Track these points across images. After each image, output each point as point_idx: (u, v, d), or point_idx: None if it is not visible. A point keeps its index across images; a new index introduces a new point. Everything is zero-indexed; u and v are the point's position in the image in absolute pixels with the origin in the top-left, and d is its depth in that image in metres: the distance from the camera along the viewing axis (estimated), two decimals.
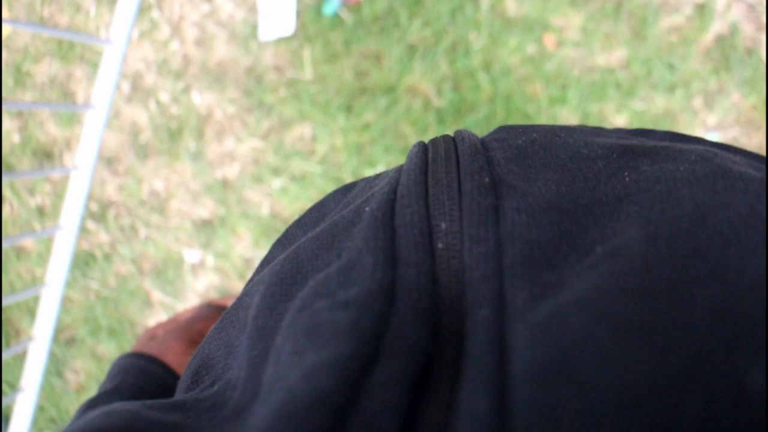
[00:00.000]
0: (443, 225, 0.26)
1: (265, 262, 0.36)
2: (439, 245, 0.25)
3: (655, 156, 0.27)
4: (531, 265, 0.23)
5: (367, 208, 0.28)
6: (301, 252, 0.29)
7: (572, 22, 1.37)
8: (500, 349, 0.20)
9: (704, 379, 0.17)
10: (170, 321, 0.58)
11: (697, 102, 1.37)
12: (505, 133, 0.33)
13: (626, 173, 0.26)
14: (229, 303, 0.59)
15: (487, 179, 0.27)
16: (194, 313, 0.56)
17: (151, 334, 0.56)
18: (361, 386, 0.20)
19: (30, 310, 1.72)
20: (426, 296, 0.23)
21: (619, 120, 1.38)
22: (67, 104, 1.18)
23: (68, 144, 1.65)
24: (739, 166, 0.25)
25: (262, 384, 0.24)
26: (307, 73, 1.46)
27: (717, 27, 1.34)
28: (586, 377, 0.17)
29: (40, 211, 1.70)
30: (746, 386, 0.16)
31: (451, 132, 1.40)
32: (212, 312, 0.56)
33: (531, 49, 1.38)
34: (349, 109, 1.45)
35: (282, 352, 0.24)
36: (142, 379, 0.46)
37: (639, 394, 0.17)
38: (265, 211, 1.54)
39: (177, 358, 0.50)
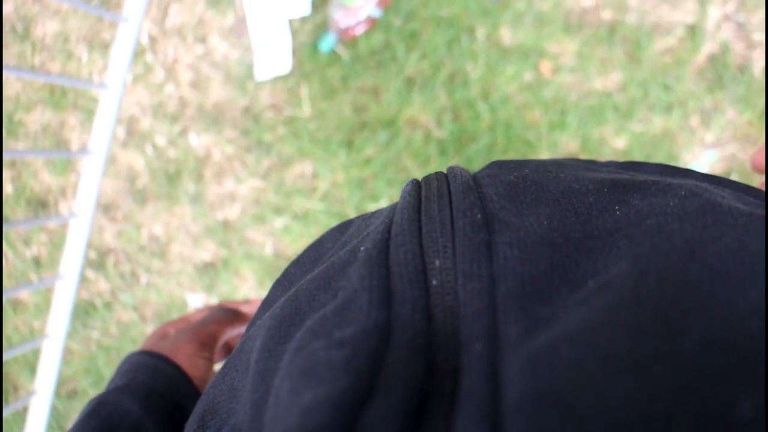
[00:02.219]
0: (437, 262, 0.26)
1: (266, 302, 0.36)
2: (434, 282, 0.26)
3: (646, 190, 0.28)
4: (523, 299, 0.23)
5: (362, 248, 0.29)
6: (300, 294, 0.29)
7: (567, 48, 1.38)
8: (494, 381, 0.21)
9: (694, 409, 0.17)
10: (181, 320, 0.58)
11: (694, 121, 1.38)
12: (497, 169, 0.33)
13: (617, 207, 0.27)
14: (242, 307, 0.60)
15: (479, 215, 0.28)
16: (206, 315, 0.56)
17: (162, 333, 0.55)
18: (356, 422, 0.21)
19: (29, 364, 1.68)
20: (421, 333, 0.24)
21: (619, 142, 1.40)
22: (64, 151, 1.16)
23: (63, 192, 1.63)
24: (728, 201, 0.26)
25: (264, 426, 0.24)
26: (306, 111, 1.46)
27: (708, 47, 1.37)
28: (577, 409, 0.18)
29: (37, 262, 1.66)
30: (735, 416, 0.16)
31: (453, 163, 1.41)
32: (225, 315, 0.56)
33: (528, 76, 1.39)
34: (349, 144, 1.45)
35: (281, 393, 0.24)
36: (152, 377, 0.46)
37: (629, 425, 0.17)
38: (268, 251, 1.52)
39: (188, 359, 0.50)
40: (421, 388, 0.22)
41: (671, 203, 0.26)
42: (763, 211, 0.25)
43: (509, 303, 0.24)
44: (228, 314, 0.56)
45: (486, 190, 0.30)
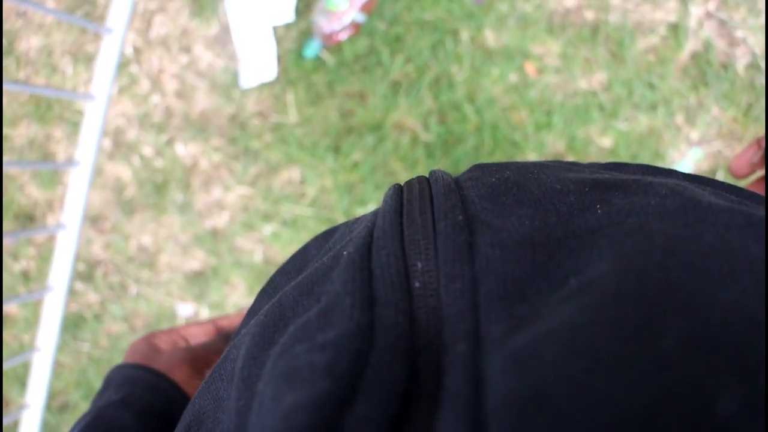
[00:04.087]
0: (419, 264, 0.26)
1: (251, 312, 0.36)
2: (416, 284, 0.26)
3: (627, 189, 0.28)
4: (506, 299, 0.23)
5: (344, 252, 0.29)
6: (284, 300, 0.29)
7: (551, 49, 1.39)
8: (476, 381, 0.21)
9: (675, 406, 0.17)
10: (172, 332, 0.56)
11: (679, 118, 1.39)
12: (479, 171, 0.33)
13: (598, 206, 0.27)
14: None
15: (460, 217, 0.28)
16: (209, 343, 0.55)
17: (152, 345, 0.53)
18: (339, 425, 0.21)
19: (19, 378, 1.66)
20: (404, 335, 0.24)
21: (605, 141, 1.40)
22: (51, 163, 1.16)
23: (50, 206, 1.62)
24: (708, 198, 0.26)
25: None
26: (292, 117, 1.46)
27: (691, 45, 1.37)
28: (559, 407, 0.18)
29: (25, 276, 1.65)
30: (717, 412, 0.17)
31: (440, 165, 1.41)
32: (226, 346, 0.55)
33: (513, 77, 1.40)
34: (336, 149, 1.45)
35: (264, 398, 0.24)
36: (149, 394, 0.45)
37: (611, 423, 0.17)
38: (257, 258, 1.52)
39: (185, 379, 0.49)
40: (404, 390, 0.22)
41: (652, 202, 0.26)
42: (743, 208, 0.25)
43: (491, 303, 0.24)
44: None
45: (467, 193, 0.31)
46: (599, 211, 0.27)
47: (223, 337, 0.57)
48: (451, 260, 0.26)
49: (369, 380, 0.22)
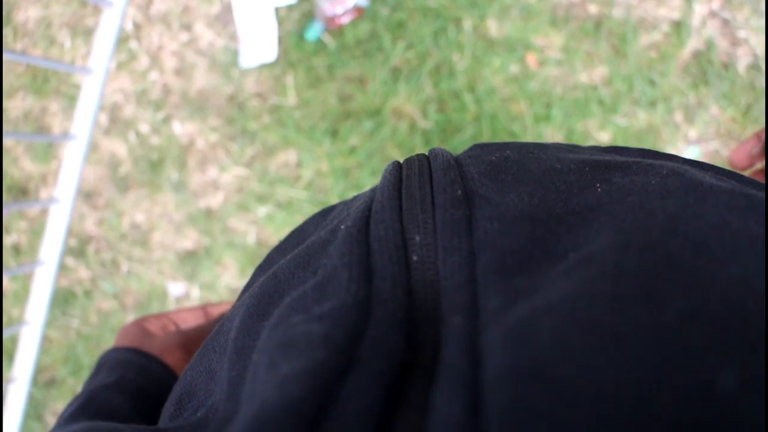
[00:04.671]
0: (417, 238, 0.26)
1: (247, 287, 0.36)
2: (414, 257, 0.26)
3: (627, 169, 0.28)
4: (503, 272, 0.23)
5: (342, 227, 0.29)
6: (279, 273, 0.29)
7: (553, 41, 1.38)
8: (473, 354, 0.21)
9: (675, 381, 0.17)
10: (162, 317, 0.56)
11: (678, 116, 1.39)
12: (479, 150, 0.33)
13: (598, 185, 0.27)
14: None
15: (459, 192, 0.28)
16: (203, 326, 0.54)
17: (143, 329, 0.53)
18: (334, 395, 0.21)
19: (7, 351, 1.66)
20: (401, 307, 0.24)
21: (604, 136, 1.40)
22: (47, 136, 1.15)
23: (44, 179, 1.61)
24: (709, 179, 0.26)
25: (241, 402, 0.24)
26: (291, 99, 1.45)
27: (694, 43, 1.37)
28: (557, 380, 0.17)
29: (16, 250, 1.64)
30: (716, 388, 0.16)
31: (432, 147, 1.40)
32: None
33: (514, 68, 1.39)
34: (334, 133, 1.44)
35: (258, 368, 0.24)
36: (142, 377, 0.45)
37: (610, 397, 0.17)
38: (251, 239, 1.51)
39: (177, 363, 0.49)
40: (400, 362, 0.22)
41: (653, 181, 0.26)
42: (745, 189, 0.25)
43: (489, 276, 0.23)
44: None
45: (467, 169, 0.31)
46: (599, 190, 0.27)
47: (216, 322, 0.56)
48: (449, 234, 0.26)
49: (365, 351, 0.22)
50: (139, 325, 0.54)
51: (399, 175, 0.31)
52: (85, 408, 0.40)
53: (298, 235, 0.38)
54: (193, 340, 0.51)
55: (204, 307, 0.59)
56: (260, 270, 0.37)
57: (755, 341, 0.18)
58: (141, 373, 0.45)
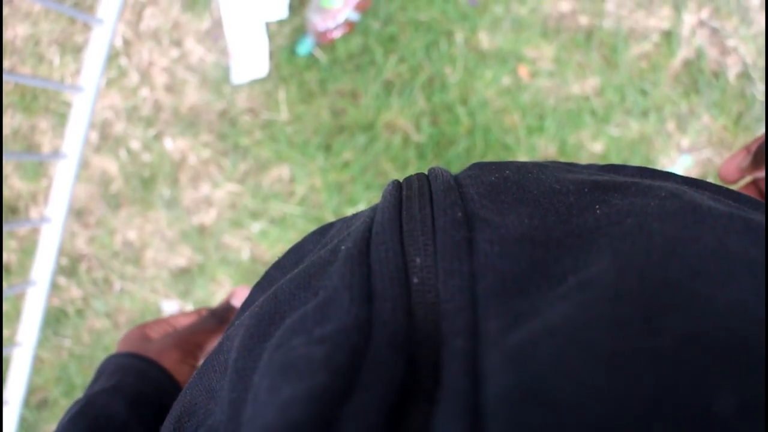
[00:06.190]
0: (418, 260, 0.26)
1: (245, 305, 0.36)
2: (415, 280, 0.26)
3: (626, 191, 0.28)
4: (504, 295, 0.24)
5: (343, 247, 0.29)
6: (280, 293, 0.29)
7: (545, 53, 1.38)
8: (474, 376, 0.21)
9: (674, 404, 0.17)
10: (162, 322, 0.57)
11: (670, 125, 1.39)
12: (479, 170, 0.33)
13: (597, 207, 0.27)
14: (232, 316, 0.58)
15: (459, 214, 0.28)
16: (195, 323, 0.55)
17: (143, 335, 0.54)
18: (336, 418, 0.20)
19: None
20: (402, 330, 0.24)
21: (597, 146, 1.40)
22: (38, 155, 1.14)
23: (34, 198, 1.59)
24: (707, 202, 0.26)
25: (242, 424, 0.25)
26: (283, 114, 1.45)
27: (684, 52, 1.38)
28: (557, 402, 0.17)
29: (7, 270, 1.62)
30: (715, 412, 0.17)
31: (431, 166, 1.40)
32: (213, 324, 0.55)
33: (506, 80, 1.39)
34: (327, 148, 1.44)
35: (259, 391, 0.24)
36: (141, 381, 0.46)
37: (609, 419, 0.17)
38: (245, 255, 1.50)
39: (174, 365, 0.49)
40: (401, 384, 0.22)
41: (652, 203, 0.26)
42: (742, 213, 0.25)
43: (489, 299, 0.23)
44: (216, 323, 0.56)
45: (467, 190, 0.31)
46: (598, 212, 0.27)
47: (211, 315, 0.57)
48: (450, 256, 0.26)
49: (366, 374, 0.22)
50: (140, 330, 0.55)
51: (399, 195, 0.31)
52: (83, 413, 0.41)
53: (297, 252, 0.38)
54: (188, 339, 0.52)
55: (200, 311, 0.59)
56: (259, 288, 0.37)
57: (753, 365, 0.18)
58: (139, 377, 0.46)
